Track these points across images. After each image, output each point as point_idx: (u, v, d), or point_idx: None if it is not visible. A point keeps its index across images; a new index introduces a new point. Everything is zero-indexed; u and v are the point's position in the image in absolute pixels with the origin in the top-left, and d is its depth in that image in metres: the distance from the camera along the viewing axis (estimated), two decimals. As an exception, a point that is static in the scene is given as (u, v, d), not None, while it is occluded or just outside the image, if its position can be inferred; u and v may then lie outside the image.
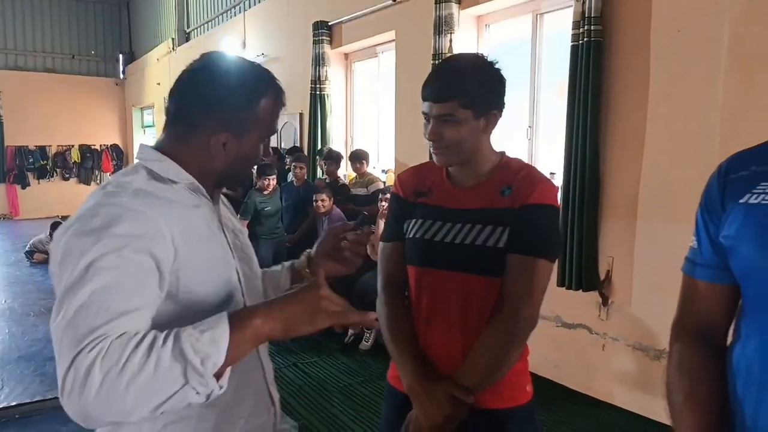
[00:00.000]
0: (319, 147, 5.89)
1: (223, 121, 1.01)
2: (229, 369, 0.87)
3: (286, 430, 3.06)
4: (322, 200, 4.66)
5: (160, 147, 1.04)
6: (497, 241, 1.28)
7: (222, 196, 1.21)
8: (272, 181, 5.15)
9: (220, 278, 1.03)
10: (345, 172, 5.86)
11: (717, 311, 1.01)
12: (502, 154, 1.40)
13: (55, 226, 7.36)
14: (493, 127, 1.35)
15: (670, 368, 1.02)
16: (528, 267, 1.26)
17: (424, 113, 1.33)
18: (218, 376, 0.84)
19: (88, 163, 13.57)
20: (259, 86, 1.03)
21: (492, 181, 1.34)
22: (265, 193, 5.16)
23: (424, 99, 1.32)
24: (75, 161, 13.47)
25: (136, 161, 1.05)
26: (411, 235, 1.38)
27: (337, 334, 4.47)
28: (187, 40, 10.63)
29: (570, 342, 3.57)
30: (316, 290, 0.93)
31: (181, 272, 0.95)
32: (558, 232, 1.35)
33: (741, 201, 0.94)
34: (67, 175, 13.45)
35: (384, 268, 1.46)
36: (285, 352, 4.28)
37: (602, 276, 3.34)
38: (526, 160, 4.09)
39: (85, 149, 13.52)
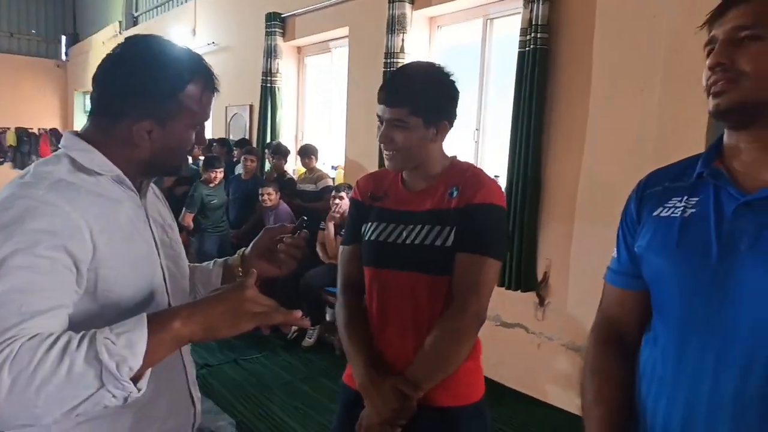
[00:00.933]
0: (269, 140, 5.82)
1: (147, 109, 0.97)
2: (149, 371, 0.85)
3: (223, 427, 3.02)
4: (269, 194, 4.61)
5: (85, 136, 1.00)
6: (444, 241, 1.32)
7: (155, 188, 1.18)
8: (219, 173, 5.06)
9: (143, 277, 1.00)
10: (294, 167, 5.81)
11: (631, 316, 1.07)
12: (453, 158, 1.44)
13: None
14: (444, 137, 1.39)
15: (584, 370, 1.08)
16: (474, 265, 1.30)
17: (378, 116, 1.36)
18: (137, 378, 0.82)
19: (24, 148, 12.94)
20: (184, 72, 0.99)
21: (441, 183, 1.38)
22: (212, 185, 5.06)
23: (379, 102, 1.36)
24: (11, 145, 12.83)
25: (60, 149, 1.00)
26: (366, 238, 1.42)
27: (281, 331, 4.44)
28: (135, 24, 10.29)
29: (508, 341, 3.66)
30: (240, 292, 0.92)
31: (101, 270, 0.92)
32: (504, 231, 1.38)
33: (654, 214, 1.00)
34: (1, 159, 12.81)
35: (343, 271, 1.50)
36: (226, 348, 4.21)
37: (540, 277, 3.44)
38: (472, 161, 4.16)
39: (22, 132, 12.89)
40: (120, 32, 10.27)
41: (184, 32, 7.58)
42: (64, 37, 13.36)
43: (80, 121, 12.94)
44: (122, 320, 0.84)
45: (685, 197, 0.97)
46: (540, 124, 3.32)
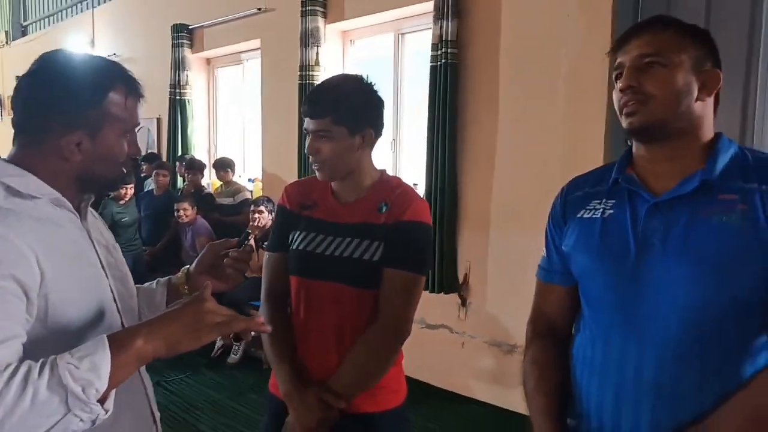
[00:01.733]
0: (180, 154, 5.66)
1: (72, 121, 0.97)
2: (113, 392, 0.86)
3: (152, 452, 2.92)
4: (184, 209, 4.50)
5: (14, 160, 0.98)
6: (372, 255, 1.36)
7: (92, 211, 1.16)
8: (129, 190, 4.88)
9: (93, 299, 1.00)
10: (209, 180, 5.69)
11: (562, 309, 1.19)
12: (382, 171, 1.48)
13: None
14: (371, 145, 1.42)
15: (524, 361, 1.19)
16: (401, 281, 1.35)
17: (304, 129, 1.40)
18: (102, 400, 0.83)
19: None
20: (104, 79, 0.99)
21: (371, 197, 1.42)
22: (122, 202, 4.87)
23: (303, 115, 1.39)
24: None
25: None
26: (294, 247, 1.43)
27: (203, 348, 4.32)
28: (25, 34, 9.62)
29: (433, 342, 3.79)
30: (199, 304, 0.94)
31: (50, 295, 0.91)
32: (430, 248, 1.44)
33: (577, 216, 1.13)
34: None
35: (267, 278, 1.49)
36: (147, 371, 4.05)
37: (461, 279, 3.61)
38: (390, 171, 4.28)
39: None
40: (7, 43, 9.57)
41: (82, 43, 7.20)
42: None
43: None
44: (75, 344, 0.85)
45: (604, 200, 1.11)
46: (454, 136, 3.49)
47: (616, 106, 1.06)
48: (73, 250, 0.99)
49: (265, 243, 1.39)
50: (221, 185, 5.19)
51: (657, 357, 0.98)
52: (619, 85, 1.04)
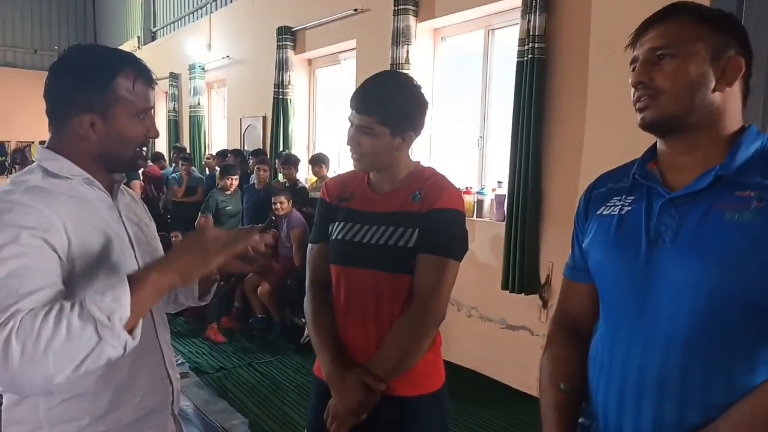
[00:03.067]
0: (281, 150, 5.98)
1: (84, 105, 1.08)
2: (141, 322, 0.96)
3: (236, 426, 3.15)
4: (281, 202, 4.75)
5: (51, 147, 1.13)
6: (407, 242, 1.41)
7: (127, 190, 1.29)
8: (234, 180, 5.25)
9: (116, 270, 1.11)
10: (307, 175, 5.96)
11: (584, 307, 1.18)
12: (417, 163, 1.53)
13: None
14: (409, 146, 1.48)
15: (543, 356, 1.18)
16: (435, 265, 1.39)
17: (348, 119, 1.46)
18: (131, 330, 0.93)
19: (48, 160, 13.33)
20: (111, 65, 1.10)
21: (405, 187, 1.47)
22: (227, 192, 5.25)
23: (350, 107, 1.45)
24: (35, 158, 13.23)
25: (34, 162, 1.14)
26: (334, 237, 1.51)
27: (294, 334, 4.57)
28: (153, 39, 10.57)
29: (513, 343, 3.74)
30: (201, 235, 1.03)
31: (76, 261, 1.04)
32: (464, 234, 1.47)
33: (597, 212, 1.12)
34: (26, 172, 13.20)
35: (311, 268, 1.58)
36: (240, 352, 4.36)
37: (543, 280, 3.52)
38: (477, 168, 4.27)
39: (45, 146, 13.29)
40: (139, 47, 10.56)
41: (200, 46, 7.79)
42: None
43: (101, 134, 13.27)
44: None
45: (624, 196, 1.08)
46: (539, 132, 3.42)
47: (632, 101, 1.03)
48: (101, 224, 1.12)
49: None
50: (316, 180, 5.42)
51: (661, 355, 0.95)
52: (630, 80, 1.01)
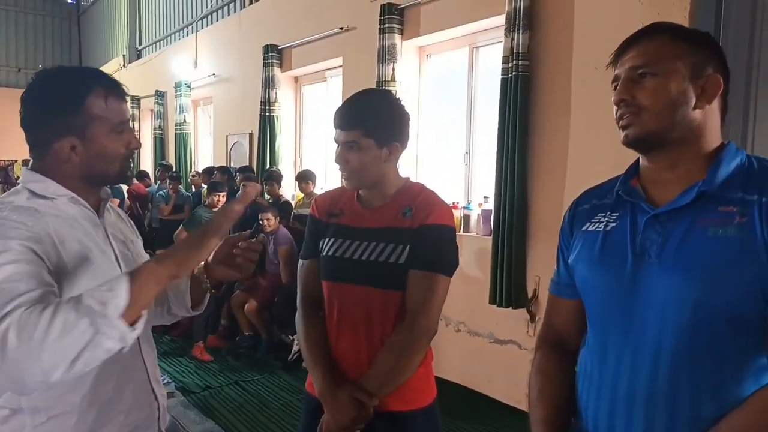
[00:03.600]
0: (268, 166, 5.98)
1: (61, 129, 1.09)
2: (144, 316, 0.95)
3: (224, 445, 3.11)
4: (268, 219, 4.74)
5: (35, 169, 1.14)
6: (398, 258, 1.42)
7: (114, 208, 1.30)
8: (222, 197, 5.24)
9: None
10: (294, 192, 5.96)
11: (570, 323, 1.19)
12: (406, 179, 1.54)
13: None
14: (396, 157, 1.49)
15: (531, 372, 1.19)
16: (426, 281, 1.40)
17: (334, 140, 1.47)
18: (134, 322, 0.92)
19: (31, 179, 13.21)
20: (79, 87, 1.10)
21: (395, 203, 1.48)
22: (214, 209, 5.22)
23: (334, 126, 1.46)
24: (18, 176, 13.08)
25: (19, 185, 1.14)
26: (324, 253, 1.51)
27: (282, 352, 4.54)
28: (139, 57, 10.57)
29: (501, 357, 3.75)
30: (200, 231, 1.00)
31: (61, 277, 1.04)
32: (454, 250, 1.48)
33: (582, 229, 1.13)
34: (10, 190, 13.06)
35: (302, 284, 1.58)
36: (227, 371, 4.32)
37: (530, 294, 3.54)
38: (463, 183, 4.30)
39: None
40: (125, 65, 10.55)
41: (186, 64, 7.81)
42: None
43: (86, 152, 13.19)
44: None
45: (608, 213, 1.10)
46: (524, 148, 3.46)
47: (615, 119, 1.05)
48: (87, 242, 1.12)
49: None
50: (303, 196, 5.42)
51: (650, 369, 0.96)
52: (613, 98, 1.03)
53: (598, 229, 1.09)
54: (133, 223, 1.40)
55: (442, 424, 1.55)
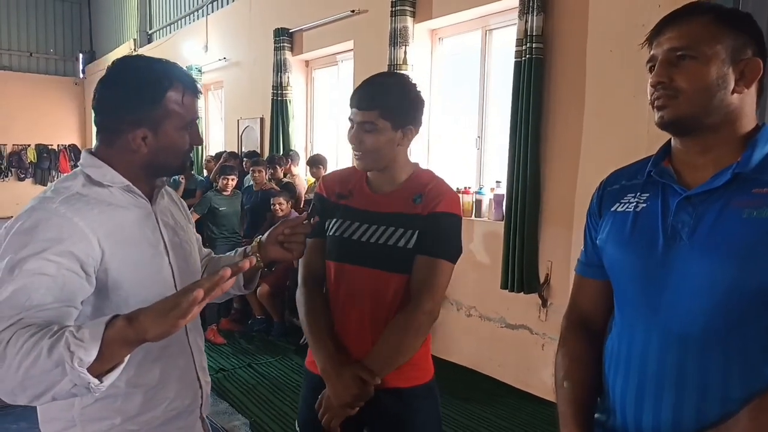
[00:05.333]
0: (282, 150, 5.98)
1: (137, 120, 1.11)
2: (118, 370, 0.91)
3: (237, 427, 3.15)
4: (280, 204, 4.76)
5: (97, 153, 1.15)
6: (407, 243, 1.44)
7: (168, 192, 1.32)
8: (231, 180, 5.26)
9: (150, 275, 1.14)
10: (305, 176, 5.97)
11: (597, 304, 1.18)
12: (416, 165, 1.56)
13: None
14: (409, 141, 1.50)
15: (557, 352, 1.19)
16: (431, 267, 1.43)
17: (349, 119, 1.48)
18: (106, 372, 0.89)
19: (44, 164, 13.27)
20: (162, 81, 1.13)
21: (406, 189, 1.50)
22: (225, 193, 5.25)
23: (351, 106, 1.47)
24: (31, 161, 13.17)
25: (78, 167, 1.16)
26: (331, 233, 1.52)
27: (294, 335, 4.58)
28: (150, 41, 10.56)
29: (513, 342, 3.76)
30: (174, 298, 0.88)
31: (109, 271, 1.06)
32: (459, 238, 1.51)
33: (612, 209, 1.12)
34: (23, 176, 13.14)
35: (304, 263, 1.58)
36: (240, 354, 4.37)
37: (542, 279, 3.53)
38: (475, 168, 4.28)
39: (42, 149, 13.23)
40: (135, 49, 10.55)
41: (197, 48, 7.79)
42: (81, 55, 13.71)
43: (98, 137, 13.27)
44: None
45: (638, 194, 1.09)
46: (537, 131, 3.43)
47: (648, 100, 1.04)
48: (135, 232, 1.14)
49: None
50: (315, 181, 5.43)
51: (680, 350, 0.96)
52: (650, 80, 1.02)
53: (628, 209, 1.08)
54: (186, 207, 1.42)
55: (441, 401, 1.58)
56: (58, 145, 13.49)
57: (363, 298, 1.48)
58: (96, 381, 0.89)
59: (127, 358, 0.93)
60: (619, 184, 1.14)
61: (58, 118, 13.40)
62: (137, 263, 1.12)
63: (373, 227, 1.47)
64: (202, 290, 0.85)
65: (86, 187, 1.11)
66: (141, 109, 1.11)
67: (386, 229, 1.46)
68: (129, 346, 0.90)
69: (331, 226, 1.53)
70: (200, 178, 6.90)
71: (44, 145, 13.25)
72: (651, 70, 1.03)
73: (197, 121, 1.23)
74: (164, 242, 1.21)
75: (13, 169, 13.03)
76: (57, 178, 13.36)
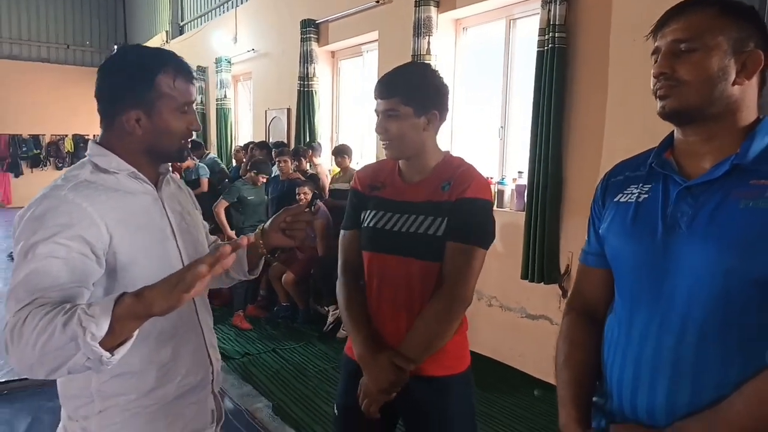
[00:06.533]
0: (307, 141, 6.06)
1: (130, 103, 1.17)
2: (132, 339, 0.97)
3: (260, 409, 3.25)
4: (305, 193, 4.83)
5: (101, 142, 1.22)
6: (437, 230, 1.47)
7: (174, 179, 1.37)
8: (262, 178, 5.37)
9: (157, 258, 1.19)
10: (330, 166, 6.03)
11: (598, 291, 1.21)
12: (446, 153, 1.58)
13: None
14: (436, 127, 1.52)
15: (558, 337, 1.22)
16: (462, 253, 1.45)
17: (375, 111, 1.52)
18: (116, 346, 0.95)
19: (81, 153, 13.60)
20: (152, 64, 1.18)
21: (434, 177, 1.52)
22: (257, 186, 5.36)
23: (375, 98, 1.52)
24: (68, 151, 13.59)
25: (86, 156, 1.22)
26: (365, 225, 1.57)
27: (318, 322, 4.67)
28: (182, 32, 10.75)
29: (533, 332, 3.77)
30: (184, 272, 0.92)
31: (118, 255, 1.12)
32: (490, 223, 1.52)
33: (615, 200, 1.15)
34: (61, 165, 13.57)
35: (343, 254, 1.64)
36: (265, 339, 4.47)
37: (562, 269, 3.53)
38: (498, 158, 4.28)
39: (78, 139, 13.63)
40: (167, 41, 10.75)
41: (226, 40, 7.92)
42: (116, 47, 13.98)
43: (132, 127, 13.60)
44: None
45: (641, 184, 1.11)
46: (559, 122, 3.42)
47: (652, 90, 1.05)
48: (143, 216, 1.20)
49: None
50: (339, 171, 5.49)
51: (677, 336, 0.99)
52: (653, 71, 1.03)
53: (630, 200, 1.11)
54: (192, 193, 1.47)
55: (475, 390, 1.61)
56: (94, 135, 13.72)
57: (396, 286, 1.52)
58: (108, 354, 0.94)
59: (136, 333, 0.99)
60: (623, 176, 1.17)
61: (93, 108, 13.24)
62: (145, 247, 1.17)
63: (404, 216, 1.51)
64: (206, 265, 0.89)
65: (94, 174, 1.17)
66: (133, 92, 1.16)
67: (417, 218, 1.49)
68: (138, 320, 0.95)
69: (365, 217, 1.58)
70: (202, 166, 6.74)
71: (81, 135, 13.64)
72: (656, 61, 1.05)
73: (193, 107, 1.25)
74: (171, 227, 1.26)
75: (51, 159, 13.47)
76: (93, 167, 13.81)
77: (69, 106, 13.25)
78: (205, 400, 1.34)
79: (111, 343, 0.94)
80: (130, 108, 1.17)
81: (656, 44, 1.06)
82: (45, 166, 13.44)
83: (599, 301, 1.21)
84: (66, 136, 13.54)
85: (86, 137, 13.68)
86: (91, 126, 13.75)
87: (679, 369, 0.98)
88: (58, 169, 13.49)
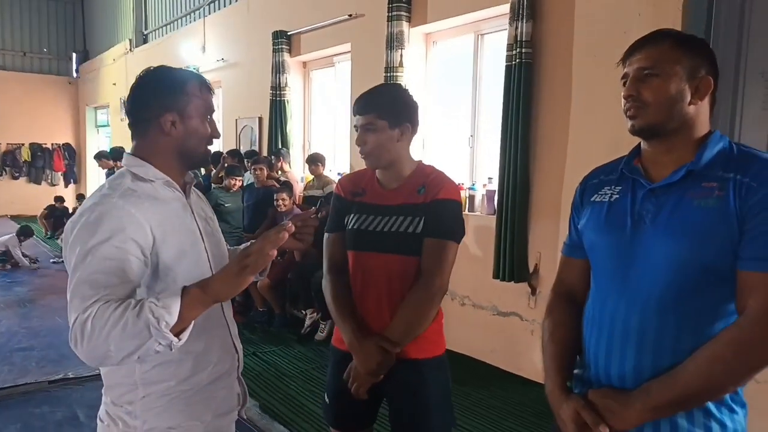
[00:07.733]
0: (276, 148, 6.16)
1: (166, 105, 1.31)
2: (190, 326, 1.14)
3: (249, 408, 3.35)
4: (283, 199, 4.95)
5: (137, 153, 1.35)
6: (415, 228, 1.66)
7: (197, 191, 1.52)
8: (238, 181, 5.47)
9: (192, 258, 1.33)
10: (303, 174, 6.16)
11: (578, 279, 1.41)
12: (419, 162, 1.79)
13: (22, 232, 7.59)
14: (408, 138, 1.73)
15: (544, 319, 1.42)
16: (438, 247, 1.65)
17: (354, 127, 1.73)
18: (181, 331, 1.12)
19: (38, 162, 13.37)
20: (182, 76, 1.35)
21: (410, 182, 1.72)
22: (231, 191, 5.44)
23: (353, 114, 1.73)
24: (25, 160, 13.26)
25: (122, 168, 1.35)
26: (350, 227, 1.75)
27: (295, 326, 4.79)
28: (145, 41, 10.69)
29: (504, 328, 3.99)
30: (243, 258, 1.11)
31: (160, 254, 1.26)
32: (461, 220, 1.72)
33: (591, 199, 1.35)
34: (17, 174, 13.24)
35: (328, 254, 1.82)
36: (244, 343, 4.44)
37: (531, 269, 3.77)
38: (468, 166, 4.51)
39: (36, 148, 13.33)
40: (130, 50, 10.67)
41: (194, 49, 7.96)
42: (74, 55, 13.77)
43: (92, 136, 13.38)
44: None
45: (613, 186, 1.32)
46: (527, 131, 3.67)
47: (623, 110, 1.26)
48: (177, 221, 1.34)
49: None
50: (313, 178, 5.63)
51: (641, 312, 1.19)
52: (623, 93, 1.24)
53: (604, 200, 1.31)
54: (208, 201, 1.62)
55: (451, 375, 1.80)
56: (52, 144, 13.57)
57: (379, 279, 1.70)
58: (176, 339, 1.12)
59: (193, 322, 1.15)
60: (598, 179, 1.38)
61: (51, 117, 13.47)
62: (181, 249, 1.30)
63: (385, 218, 1.69)
64: (269, 242, 1.08)
65: (135, 183, 1.30)
66: (168, 96, 1.30)
67: (396, 219, 1.68)
68: (204, 307, 1.12)
69: (349, 220, 1.76)
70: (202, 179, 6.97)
71: (38, 143, 13.33)
72: (624, 84, 1.26)
73: (214, 117, 1.41)
74: (200, 230, 1.40)
75: (7, 168, 13.11)
76: (51, 176, 13.50)
77: (26, 114, 12.96)
78: (232, 385, 1.48)
79: (176, 329, 1.10)
80: (166, 111, 1.31)
81: (625, 70, 1.27)
82: (1, 175, 13.07)
83: (579, 286, 1.41)
84: (23, 144, 13.22)
85: (44, 146, 13.39)
86: (50, 134, 13.46)
87: (643, 340, 1.18)
88: (15, 178, 13.16)
